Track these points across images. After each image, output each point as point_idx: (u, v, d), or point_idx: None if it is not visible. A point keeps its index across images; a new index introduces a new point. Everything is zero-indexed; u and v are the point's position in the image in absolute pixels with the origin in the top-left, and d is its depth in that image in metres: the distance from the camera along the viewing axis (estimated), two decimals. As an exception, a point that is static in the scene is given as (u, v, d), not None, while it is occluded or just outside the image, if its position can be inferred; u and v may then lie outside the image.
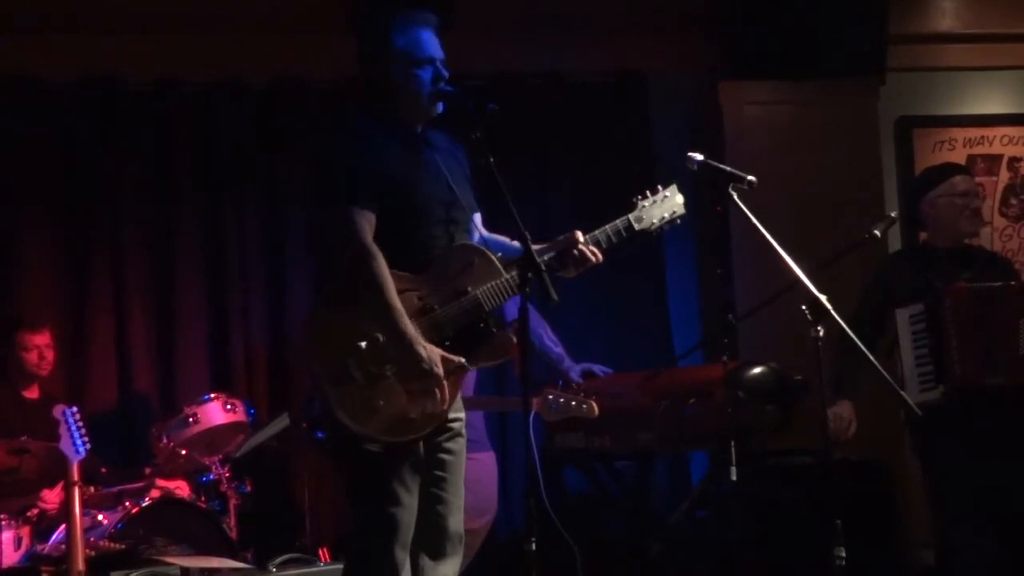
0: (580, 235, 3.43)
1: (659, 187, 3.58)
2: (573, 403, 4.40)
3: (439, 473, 3.41)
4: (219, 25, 6.11)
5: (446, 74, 3.40)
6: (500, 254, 3.43)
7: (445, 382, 3.28)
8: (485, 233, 3.54)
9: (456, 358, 3.31)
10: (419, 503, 3.36)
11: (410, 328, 3.25)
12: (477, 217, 3.54)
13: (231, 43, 6.15)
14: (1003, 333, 4.43)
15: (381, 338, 3.25)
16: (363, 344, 3.23)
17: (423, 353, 3.25)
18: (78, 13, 5.98)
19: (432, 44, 3.41)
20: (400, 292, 3.30)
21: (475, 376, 4.77)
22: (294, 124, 6.17)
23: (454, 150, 3.53)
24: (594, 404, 4.39)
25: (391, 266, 3.28)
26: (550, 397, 4.41)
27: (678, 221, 3.59)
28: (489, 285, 3.36)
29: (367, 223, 3.29)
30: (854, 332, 3.52)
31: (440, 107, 3.43)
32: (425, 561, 3.39)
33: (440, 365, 3.27)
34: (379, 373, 3.24)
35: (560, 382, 4.68)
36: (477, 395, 4.85)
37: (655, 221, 3.54)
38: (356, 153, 3.34)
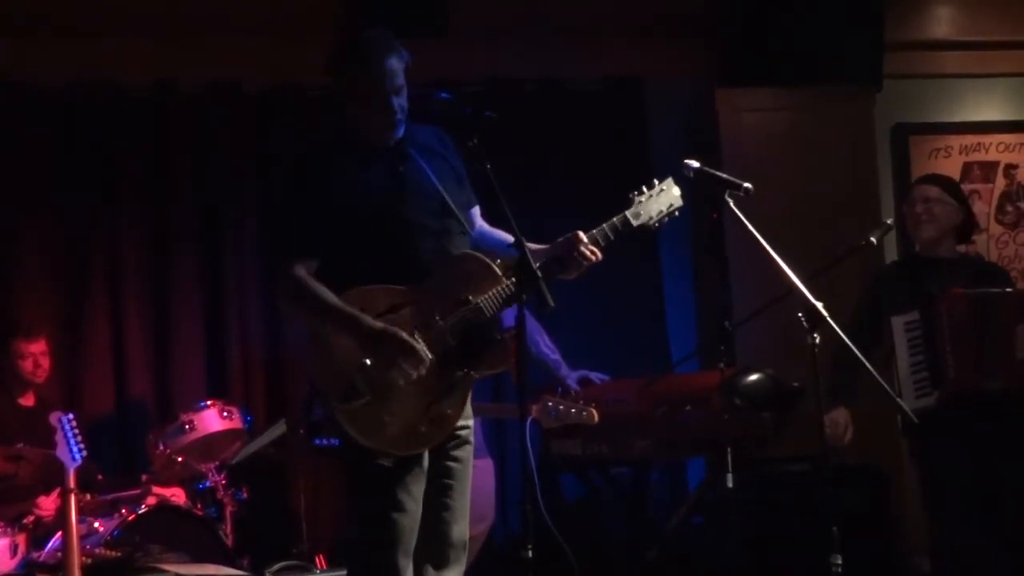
0: (582, 235, 3.42)
1: (655, 181, 3.57)
2: (572, 410, 4.40)
3: (446, 481, 3.41)
4: (217, 29, 6.11)
5: (406, 105, 3.39)
6: (499, 261, 3.43)
7: (412, 341, 3.25)
8: (485, 227, 3.54)
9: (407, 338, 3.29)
10: (424, 510, 3.36)
11: (349, 311, 3.26)
12: (476, 211, 3.54)
13: (229, 47, 6.15)
14: (999, 338, 4.44)
15: (384, 352, 3.25)
16: (368, 361, 3.24)
17: (376, 327, 3.24)
18: (76, 16, 5.98)
19: (397, 73, 3.37)
20: (400, 307, 3.31)
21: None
22: (291, 128, 6.17)
23: (438, 146, 3.51)
24: (594, 411, 4.39)
25: (387, 283, 3.29)
26: (549, 404, 4.41)
27: (676, 213, 3.58)
28: (489, 293, 3.36)
29: (303, 269, 3.33)
30: (851, 340, 3.53)
31: (401, 131, 3.41)
32: (428, 569, 3.39)
33: (397, 330, 3.25)
34: (387, 387, 3.24)
35: (559, 389, 4.68)
36: (475, 402, 4.85)
37: (653, 215, 3.54)
38: (302, 198, 3.36)
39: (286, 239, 3.40)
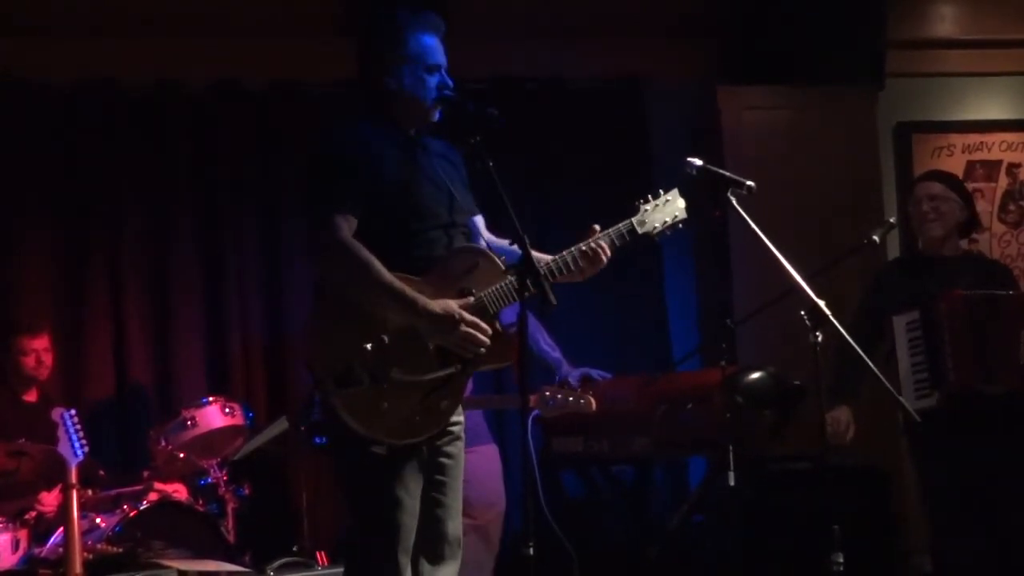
0: (596, 228, 3.44)
1: (661, 191, 3.58)
2: (571, 399, 4.42)
3: (439, 477, 3.41)
4: (218, 28, 6.11)
5: (450, 82, 3.40)
6: (504, 257, 3.44)
7: (472, 329, 3.26)
8: (489, 236, 3.54)
9: (469, 300, 3.30)
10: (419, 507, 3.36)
11: (409, 292, 3.23)
12: (479, 220, 3.54)
13: (230, 46, 6.16)
14: (1001, 341, 4.43)
15: (387, 340, 3.24)
16: (368, 347, 3.23)
17: (437, 309, 3.24)
18: (76, 16, 5.99)
19: (439, 51, 3.42)
20: None
21: (473, 377, 4.78)
22: (292, 127, 6.17)
23: (451, 155, 3.53)
24: (591, 399, 4.40)
25: (391, 269, 3.28)
26: (547, 394, 4.43)
27: (680, 225, 3.59)
28: (493, 288, 3.35)
29: (347, 227, 3.27)
30: (853, 339, 3.52)
31: (438, 114, 3.44)
32: (424, 565, 3.39)
33: (460, 311, 3.25)
34: (385, 375, 3.23)
35: (558, 379, 4.70)
36: (475, 394, 4.85)
37: (657, 225, 3.54)
38: (342, 159, 3.33)
39: (327, 194, 3.29)
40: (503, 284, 3.36)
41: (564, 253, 3.43)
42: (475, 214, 3.55)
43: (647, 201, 3.55)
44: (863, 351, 3.60)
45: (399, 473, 3.29)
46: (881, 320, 4.63)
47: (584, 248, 3.42)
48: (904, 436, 4.77)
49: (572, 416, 4.90)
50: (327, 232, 3.25)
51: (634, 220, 3.52)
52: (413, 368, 3.26)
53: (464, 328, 3.25)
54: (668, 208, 3.57)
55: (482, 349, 3.28)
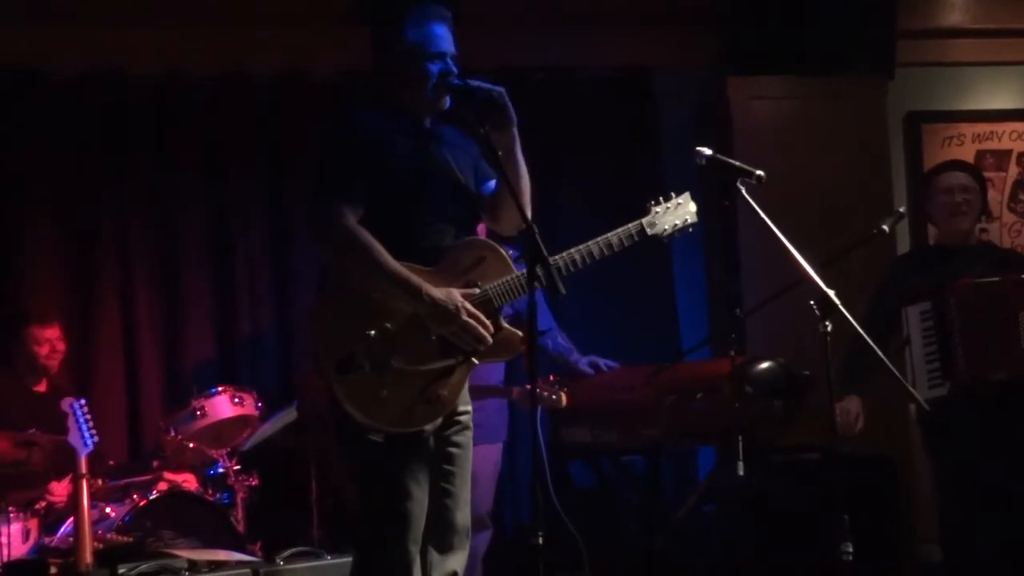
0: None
1: (672, 194, 3.60)
2: (545, 393, 4.52)
3: (447, 467, 3.41)
4: (224, 18, 6.12)
5: (455, 70, 3.39)
6: (511, 252, 3.43)
7: (473, 321, 3.25)
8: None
9: (474, 291, 3.29)
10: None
11: (414, 278, 3.23)
12: (492, 183, 3.54)
13: (236, 36, 6.16)
14: (1004, 327, 4.42)
15: (390, 327, 3.25)
16: (372, 333, 3.23)
17: (439, 296, 3.23)
18: (82, 6, 6.00)
19: (445, 39, 3.39)
20: None
21: (503, 366, 4.83)
22: (299, 116, 6.17)
23: (465, 144, 3.52)
24: (563, 395, 4.51)
25: (400, 259, 3.27)
26: (527, 387, 4.49)
27: (690, 229, 3.62)
28: (500, 282, 3.35)
29: (352, 215, 3.27)
30: (867, 329, 3.52)
31: (448, 102, 3.43)
32: (433, 555, 3.39)
33: (463, 302, 3.25)
34: (386, 363, 3.23)
35: (554, 355, 4.82)
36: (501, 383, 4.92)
37: (667, 228, 3.57)
38: (351, 146, 3.32)
39: (334, 180, 3.29)
40: (511, 278, 3.36)
41: (580, 247, 3.43)
42: (490, 179, 3.54)
43: (658, 203, 3.57)
44: (875, 341, 3.59)
45: (407, 462, 3.29)
46: (894, 313, 4.62)
47: (592, 246, 3.42)
48: (919, 426, 4.76)
49: (581, 406, 4.93)
50: (332, 219, 3.25)
51: (644, 221, 3.53)
52: (415, 357, 3.26)
53: (464, 318, 3.24)
54: (679, 211, 3.59)
55: (480, 344, 3.27)
